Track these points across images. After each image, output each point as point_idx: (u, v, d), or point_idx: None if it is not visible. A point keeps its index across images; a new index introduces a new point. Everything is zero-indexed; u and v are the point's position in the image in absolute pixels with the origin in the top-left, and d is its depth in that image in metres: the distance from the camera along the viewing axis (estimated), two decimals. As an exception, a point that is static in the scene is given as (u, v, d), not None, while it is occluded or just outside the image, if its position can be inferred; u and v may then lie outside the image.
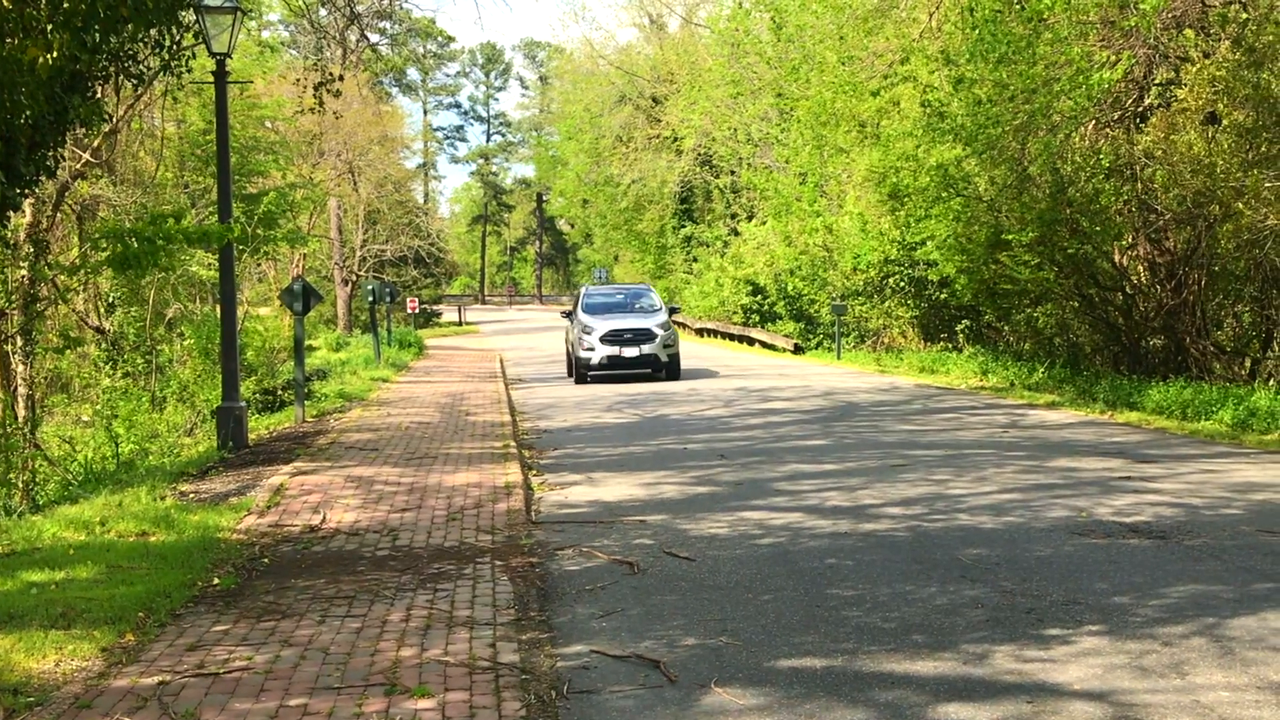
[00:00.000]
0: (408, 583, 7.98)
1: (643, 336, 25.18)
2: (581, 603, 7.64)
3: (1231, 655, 6.35)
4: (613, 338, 24.96)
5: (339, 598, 7.64)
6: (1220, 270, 19.72)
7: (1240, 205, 17.64)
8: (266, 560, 8.76)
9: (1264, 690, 5.83)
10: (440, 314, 63.99)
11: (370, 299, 32.84)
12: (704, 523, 10.10)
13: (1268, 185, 17.20)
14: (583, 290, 29.30)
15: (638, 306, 27.39)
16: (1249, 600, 7.39)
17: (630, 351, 24.94)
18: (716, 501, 11.09)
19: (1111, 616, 7.12)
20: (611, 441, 15.66)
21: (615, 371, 25.24)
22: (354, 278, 48.54)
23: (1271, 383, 17.54)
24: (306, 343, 20.49)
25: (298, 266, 39.25)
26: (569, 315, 27.16)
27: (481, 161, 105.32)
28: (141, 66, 14.54)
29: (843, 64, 25.62)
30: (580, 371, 25.16)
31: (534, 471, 13.14)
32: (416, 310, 49.37)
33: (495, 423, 17.18)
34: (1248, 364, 19.97)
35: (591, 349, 24.93)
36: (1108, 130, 20.94)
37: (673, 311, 29.14)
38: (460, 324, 62.38)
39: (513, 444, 14.71)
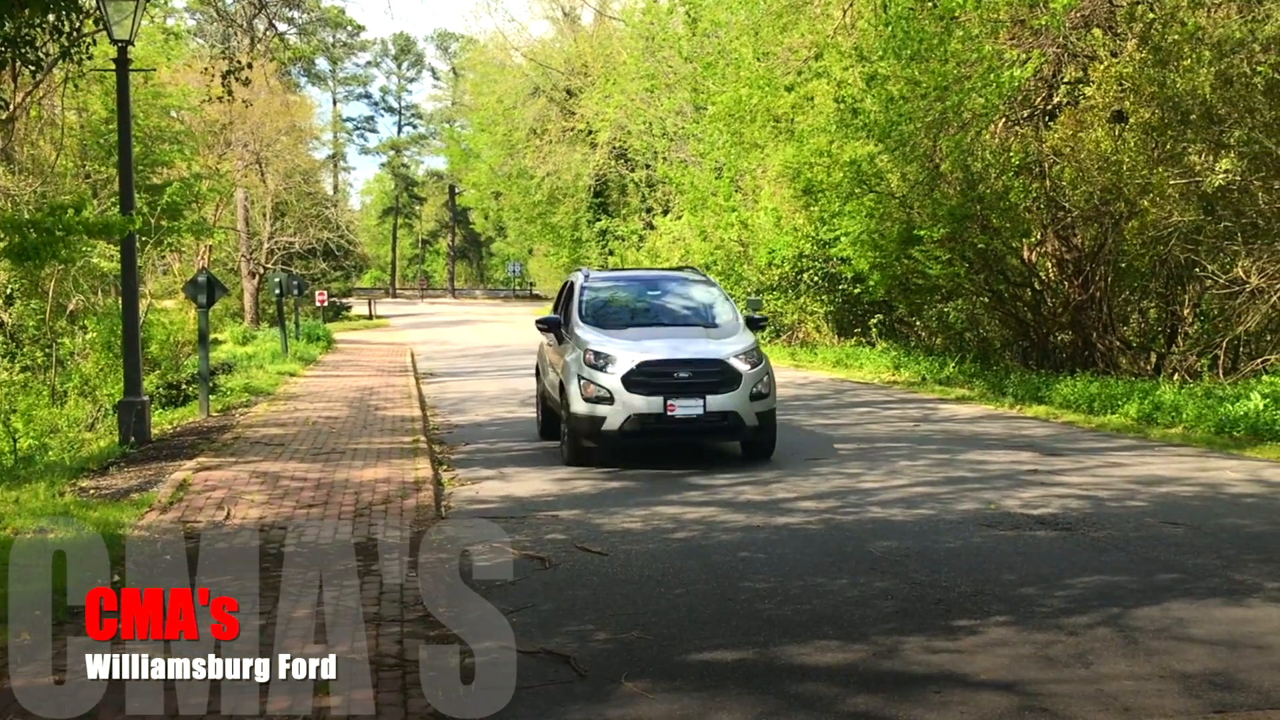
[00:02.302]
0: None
1: (710, 375, 12.67)
2: (491, 598, 7.53)
3: (1135, 645, 6.43)
4: (653, 377, 12.61)
5: (243, 595, 7.45)
6: (1126, 267, 20.07)
7: (1145, 203, 17.97)
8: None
9: (1166, 679, 5.91)
10: (350, 307, 63.14)
11: (278, 292, 32.29)
12: (617, 517, 10.06)
13: (1172, 183, 17.54)
14: (578, 279, 14.89)
15: (688, 311, 14.38)
16: (1152, 591, 7.50)
17: (687, 406, 12.53)
18: (630, 496, 11.06)
19: (1019, 607, 7.18)
20: (524, 436, 15.54)
21: (656, 441, 12.99)
22: (261, 270, 47.77)
23: (1175, 377, 17.87)
24: (212, 336, 20.14)
25: (203, 259, 38.48)
26: (551, 327, 14.29)
27: (393, 153, 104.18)
28: (40, 53, 14.16)
29: (758, 59, 25.73)
30: (578, 439, 12.81)
31: (445, 467, 13.00)
32: (325, 303, 48.69)
33: (406, 417, 16.97)
34: (1153, 359, 20.35)
35: (606, 398, 12.58)
36: (1017, 128, 21.22)
37: (758, 324, 14.47)
38: (371, 317, 61.64)
39: (423, 439, 14.54)
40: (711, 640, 6.62)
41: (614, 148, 48.58)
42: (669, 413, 12.43)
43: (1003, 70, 19.36)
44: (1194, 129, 17.37)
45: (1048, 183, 19.94)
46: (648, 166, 46.08)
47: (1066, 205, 19.77)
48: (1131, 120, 18.11)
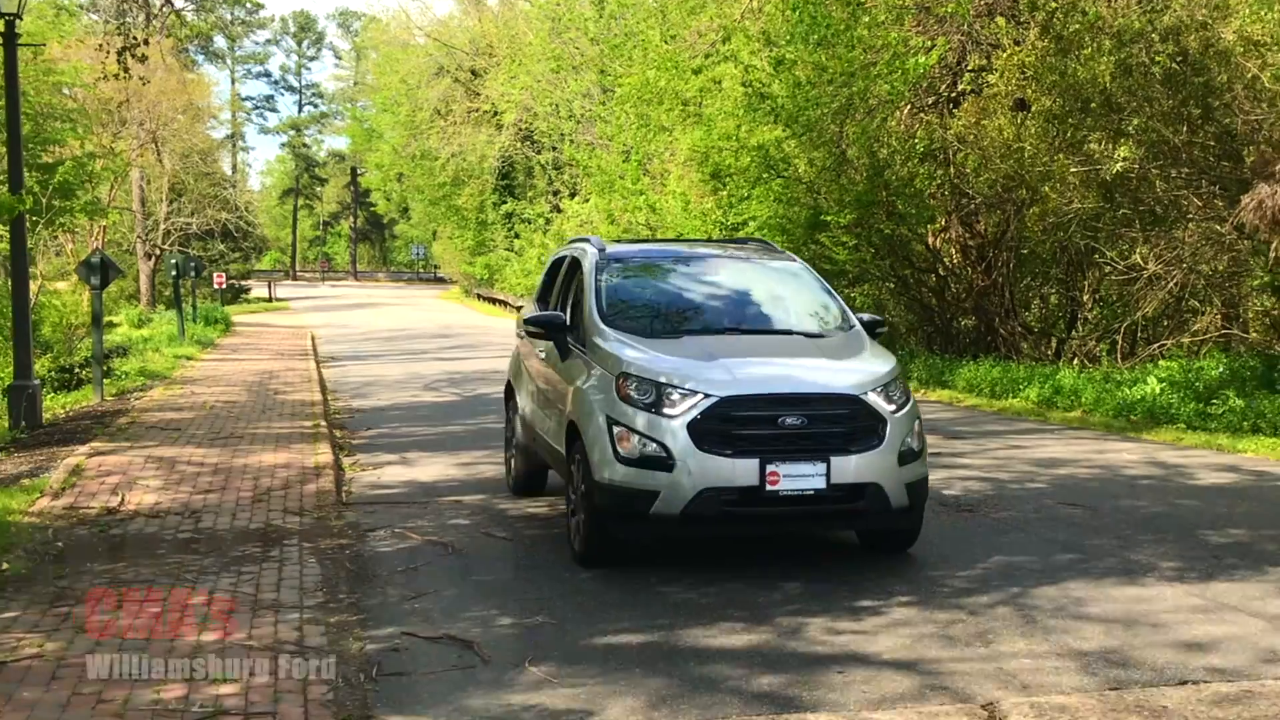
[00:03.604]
0: (210, 566, 7.63)
1: (835, 421, 7.51)
2: (393, 585, 7.44)
3: (1034, 624, 6.51)
4: (743, 424, 7.37)
5: (137, 582, 7.25)
6: (1028, 253, 20.39)
7: (1047, 190, 18.26)
8: (60, 544, 8.28)
9: (1064, 657, 5.98)
10: (249, 290, 62.06)
11: (174, 274, 31.61)
12: (523, 502, 9.98)
13: (1073, 170, 17.83)
14: (588, 255, 9.16)
15: (773, 309, 8.98)
16: (1051, 570, 7.61)
17: (800, 475, 7.28)
18: (535, 479, 10.93)
19: (922, 588, 7.24)
20: (429, 421, 15.37)
21: (741, 531, 7.98)
22: (158, 251, 46.65)
23: (1075, 362, 18.22)
24: (106, 318, 19.63)
25: (97, 239, 37.55)
26: (547, 331, 8.91)
27: (293, 133, 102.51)
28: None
29: (666, 42, 25.65)
30: (606, 525, 7.62)
31: (346, 452, 12.79)
32: (224, 286, 47.81)
33: (306, 402, 16.70)
34: (1053, 344, 20.73)
35: (660, 459, 7.33)
36: (923, 115, 21.41)
37: (875, 327, 8.82)
38: (271, 300, 60.66)
39: (324, 424, 14.31)
40: (617, 624, 6.58)
41: (520, 129, 48.25)
42: (769, 486, 7.15)
43: (908, 57, 19.51)
44: (1094, 117, 17.66)
45: (952, 170, 20.17)
46: (554, 149, 45.85)
47: (970, 192, 20.02)
48: (1033, 108, 18.38)
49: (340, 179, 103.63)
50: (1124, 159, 17.22)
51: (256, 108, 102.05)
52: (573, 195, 44.36)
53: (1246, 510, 9.44)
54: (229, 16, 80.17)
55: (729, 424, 7.26)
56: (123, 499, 9.73)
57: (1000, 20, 19.87)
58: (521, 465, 10.17)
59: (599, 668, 5.88)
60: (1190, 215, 17.34)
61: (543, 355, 9.27)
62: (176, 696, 5.33)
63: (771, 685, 5.62)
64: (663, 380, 7.43)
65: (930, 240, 21.44)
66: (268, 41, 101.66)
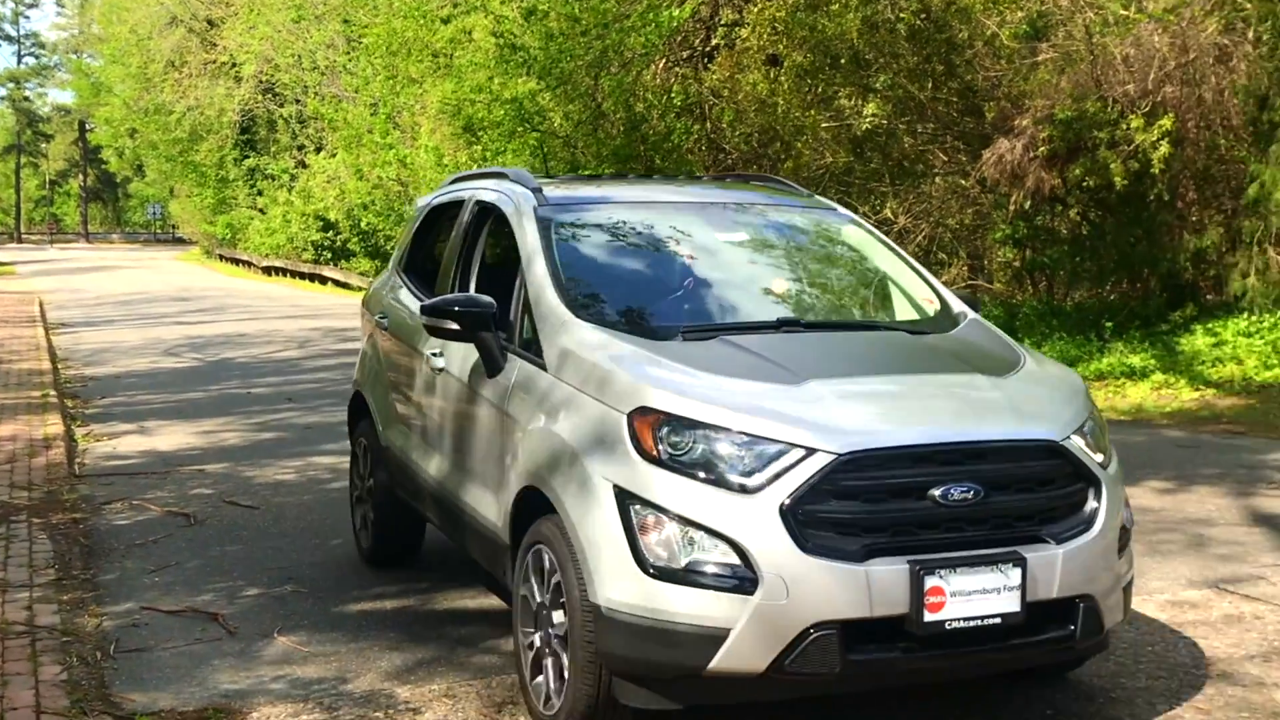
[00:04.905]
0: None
1: (1024, 486, 4.21)
2: (132, 558, 7.02)
3: None
4: (882, 500, 4.03)
5: None
6: (783, 207, 20.66)
7: (800, 145, 18.52)
8: None
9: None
10: (-33, 254, 58.02)
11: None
12: (270, 469, 9.58)
13: (824, 125, 18.15)
14: (519, 201, 5.60)
15: (839, 291, 5.73)
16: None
17: (984, 593, 4.01)
18: (284, 447, 10.54)
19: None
20: (169, 388, 14.57)
21: (873, 685, 4.52)
22: None
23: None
24: None
25: None
26: (458, 324, 5.12)
27: (12, 86, 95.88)
28: None
29: (412, -10, 24.84)
30: (628, 678, 4.18)
31: (78, 422, 11.99)
32: (-61, 249, 44.49)
33: (34, 370, 15.55)
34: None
35: (725, 576, 3.94)
36: (678, 69, 21.42)
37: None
38: (-7, 265, 56.86)
39: (53, 393, 13.34)
40: (371, 590, 6.39)
41: (261, 82, 46.36)
42: (929, 615, 3.99)
43: (661, 9, 19.43)
44: (843, 73, 17.98)
45: (709, 124, 20.27)
46: (298, 102, 44.24)
47: (727, 147, 20.17)
48: (785, 64, 18.56)
49: (68, 135, 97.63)
50: (872, 115, 17.61)
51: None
52: (319, 150, 43.02)
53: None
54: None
55: (854, 500, 3.98)
56: None
57: (750, -26, 19.99)
58: (385, 525, 6.66)
59: (352, 635, 5.69)
60: (936, 170, 17.89)
61: (444, 364, 5.63)
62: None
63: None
64: (725, 424, 4.05)
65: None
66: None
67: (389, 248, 35.39)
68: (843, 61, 17.82)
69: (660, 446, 4.08)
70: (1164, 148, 13.86)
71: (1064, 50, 15.17)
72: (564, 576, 4.26)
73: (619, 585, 4.06)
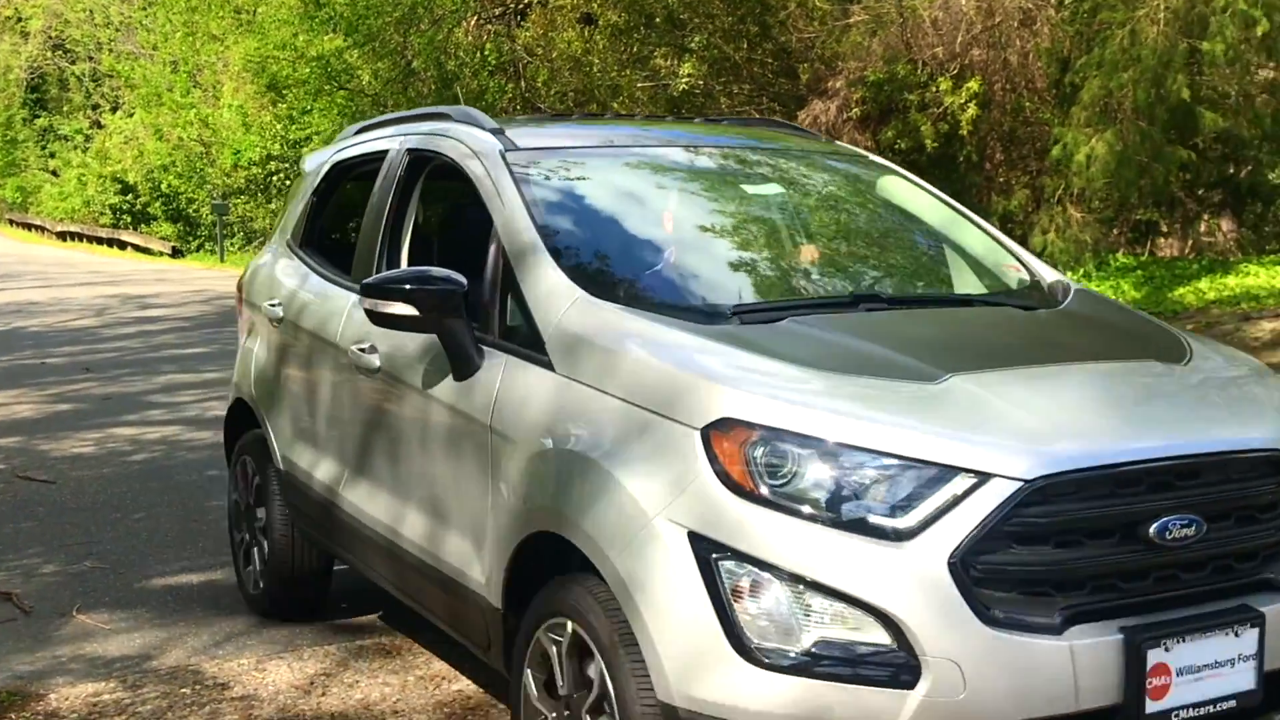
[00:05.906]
0: None
1: (1247, 522, 2.97)
2: (-90, 539, 6.47)
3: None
4: (1097, 552, 2.79)
5: None
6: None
7: (616, 105, 18.42)
8: None
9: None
10: None
11: None
12: (66, 442, 9.07)
13: (640, 85, 18.08)
14: (478, 148, 4.13)
15: (916, 263, 4.61)
16: None
17: (1217, 667, 2.85)
18: (81, 419, 10.01)
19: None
20: (-46, 356, 13.70)
21: None
22: None
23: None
24: None
25: None
26: (417, 310, 3.63)
27: None
28: None
29: (211, -57, 23.86)
30: None
31: None
32: None
33: None
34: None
35: (894, 649, 2.67)
36: (490, 26, 21.07)
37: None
38: None
39: None
40: (176, 564, 6.11)
41: (50, 37, 44.17)
42: (1152, 703, 2.78)
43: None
44: (658, 33, 17.94)
45: (523, 83, 20.01)
46: (91, 59, 42.27)
47: (542, 106, 19.92)
48: (600, 22, 18.42)
49: None
50: (689, 75, 17.62)
51: None
52: (115, 109, 41.23)
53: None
54: None
55: (1044, 545, 2.78)
56: None
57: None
58: (284, 570, 5.15)
59: (158, 610, 5.44)
60: (753, 130, 17.98)
61: (378, 363, 4.19)
62: None
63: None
64: (852, 440, 2.81)
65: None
66: None
67: (190, 211, 34.09)
68: (658, 21, 17.80)
69: (756, 475, 2.80)
70: (972, 110, 14.21)
71: (875, 13, 15.39)
72: (610, 666, 2.95)
73: (706, 677, 2.76)
